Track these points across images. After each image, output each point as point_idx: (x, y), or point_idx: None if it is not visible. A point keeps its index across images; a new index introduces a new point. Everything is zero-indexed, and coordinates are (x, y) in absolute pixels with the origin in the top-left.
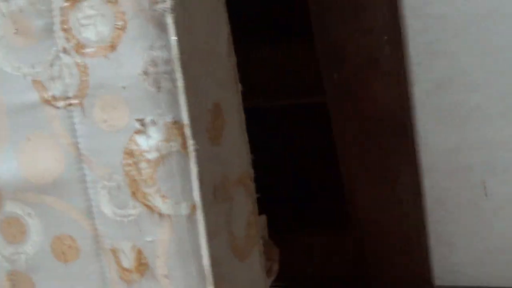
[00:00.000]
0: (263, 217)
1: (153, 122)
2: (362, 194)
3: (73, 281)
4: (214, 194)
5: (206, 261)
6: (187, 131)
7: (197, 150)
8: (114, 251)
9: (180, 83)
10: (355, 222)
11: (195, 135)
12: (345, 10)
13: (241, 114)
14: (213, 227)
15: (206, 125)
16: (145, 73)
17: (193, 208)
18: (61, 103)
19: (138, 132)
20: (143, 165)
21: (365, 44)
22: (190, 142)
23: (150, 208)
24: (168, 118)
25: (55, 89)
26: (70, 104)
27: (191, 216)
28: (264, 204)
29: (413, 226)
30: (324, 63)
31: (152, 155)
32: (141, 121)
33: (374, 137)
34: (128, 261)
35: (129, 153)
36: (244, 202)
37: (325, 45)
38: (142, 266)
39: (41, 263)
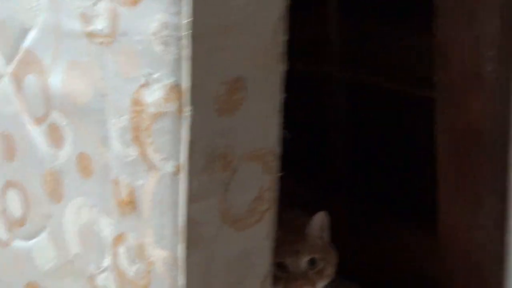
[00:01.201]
0: (322, 214)
1: (157, 80)
2: (452, 205)
3: (85, 195)
4: (209, 162)
5: (182, 219)
6: (185, 97)
7: (193, 117)
8: (115, 183)
9: (186, 50)
10: (441, 229)
11: (195, 102)
12: (459, 15)
13: (276, 94)
14: (199, 191)
15: (215, 96)
16: (156, 33)
17: (178, 168)
18: (97, 40)
19: (144, 85)
20: (144, 116)
21: (472, 53)
22: (186, 108)
23: (144, 156)
24: (170, 80)
25: (95, 26)
26: (103, 43)
27: (175, 175)
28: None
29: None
30: (432, 61)
31: (152, 110)
32: (147, 77)
33: (467, 148)
34: (123, 195)
35: (135, 102)
36: (255, 177)
37: (435, 42)
38: (132, 204)
39: (68, 170)
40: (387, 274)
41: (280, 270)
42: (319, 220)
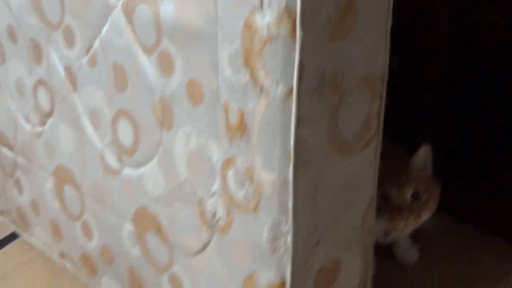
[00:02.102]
0: (426, 148)
1: (269, 3)
2: None
3: (195, 122)
4: (320, 86)
5: (291, 143)
6: (298, 20)
7: (304, 40)
8: (225, 107)
9: None
10: None
11: (307, 26)
12: None
13: (385, 19)
14: (308, 115)
15: (327, 20)
16: None
17: (289, 92)
18: None
19: (257, 8)
20: (256, 39)
21: None
22: (298, 31)
23: (255, 80)
24: (282, 3)
25: None
26: None
27: (285, 99)
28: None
29: None
30: None
31: (263, 33)
32: (260, 0)
33: None
34: (233, 120)
35: (247, 25)
36: (365, 103)
37: None
38: (242, 128)
39: (178, 98)
40: (491, 212)
41: (384, 202)
42: (423, 154)
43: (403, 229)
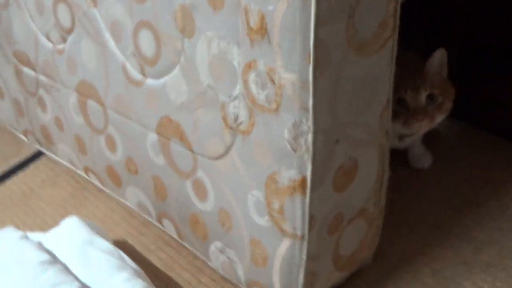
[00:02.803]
0: (441, 51)
1: None
2: None
3: (216, 28)
4: None
5: (311, 43)
6: None
7: None
8: (246, 10)
9: None
10: None
11: None
12: None
13: None
14: (327, 15)
15: None
16: None
17: None
18: None
19: None
20: None
21: None
22: None
23: None
24: None
25: None
26: None
27: None
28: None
29: None
30: None
31: None
32: None
33: None
34: (253, 22)
35: None
36: (381, 3)
37: None
38: (262, 30)
39: (198, 4)
40: (503, 116)
41: (400, 105)
42: (438, 57)
43: (419, 130)
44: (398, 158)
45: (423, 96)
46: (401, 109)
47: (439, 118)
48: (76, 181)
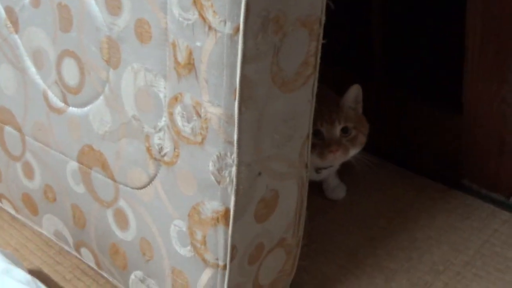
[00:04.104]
0: (356, 87)
1: None
2: (476, 81)
3: (143, 60)
4: (264, 25)
5: (237, 79)
6: None
7: None
8: (174, 45)
9: None
10: (466, 103)
11: None
12: None
13: None
14: (253, 53)
15: None
16: None
17: (236, 29)
18: None
19: None
20: None
21: None
22: None
23: (203, 19)
24: None
25: None
26: None
27: (233, 36)
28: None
29: None
30: None
31: None
32: None
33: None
34: (181, 57)
35: None
36: (304, 43)
37: None
38: (190, 65)
39: (126, 37)
40: (412, 150)
41: (316, 137)
42: (354, 92)
43: (333, 161)
44: (313, 187)
45: (337, 129)
46: (317, 140)
47: (353, 151)
48: None
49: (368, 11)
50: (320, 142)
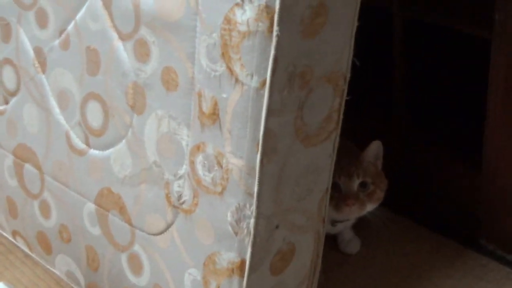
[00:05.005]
0: (377, 143)
1: (250, 0)
2: (497, 141)
3: (168, 107)
4: (290, 80)
5: (261, 132)
6: (276, 17)
7: (280, 37)
8: (199, 95)
9: None
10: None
11: (284, 23)
12: None
13: (353, 23)
14: (278, 107)
15: (301, 19)
16: None
17: (263, 83)
18: None
19: (238, 5)
20: (234, 33)
21: None
22: (275, 28)
23: (231, 71)
24: (262, 1)
25: None
26: None
27: (259, 90)
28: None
29: None
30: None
31: (242, 28)
32: None
33: None
34: (206, 107)
35: (228, 20)
36: (328, 98)
37: None
38: (214, 115)
39: (152, 84)
40: (429, 207)
41: (334, 189)
42: (375, 148)
43: (349, 215)
44: (328, 240)
45: (355, 183)
46: (334, 193)
47: (370, 206)
48: (1, 243)
49: (391, 68)
50: (337, 195)
